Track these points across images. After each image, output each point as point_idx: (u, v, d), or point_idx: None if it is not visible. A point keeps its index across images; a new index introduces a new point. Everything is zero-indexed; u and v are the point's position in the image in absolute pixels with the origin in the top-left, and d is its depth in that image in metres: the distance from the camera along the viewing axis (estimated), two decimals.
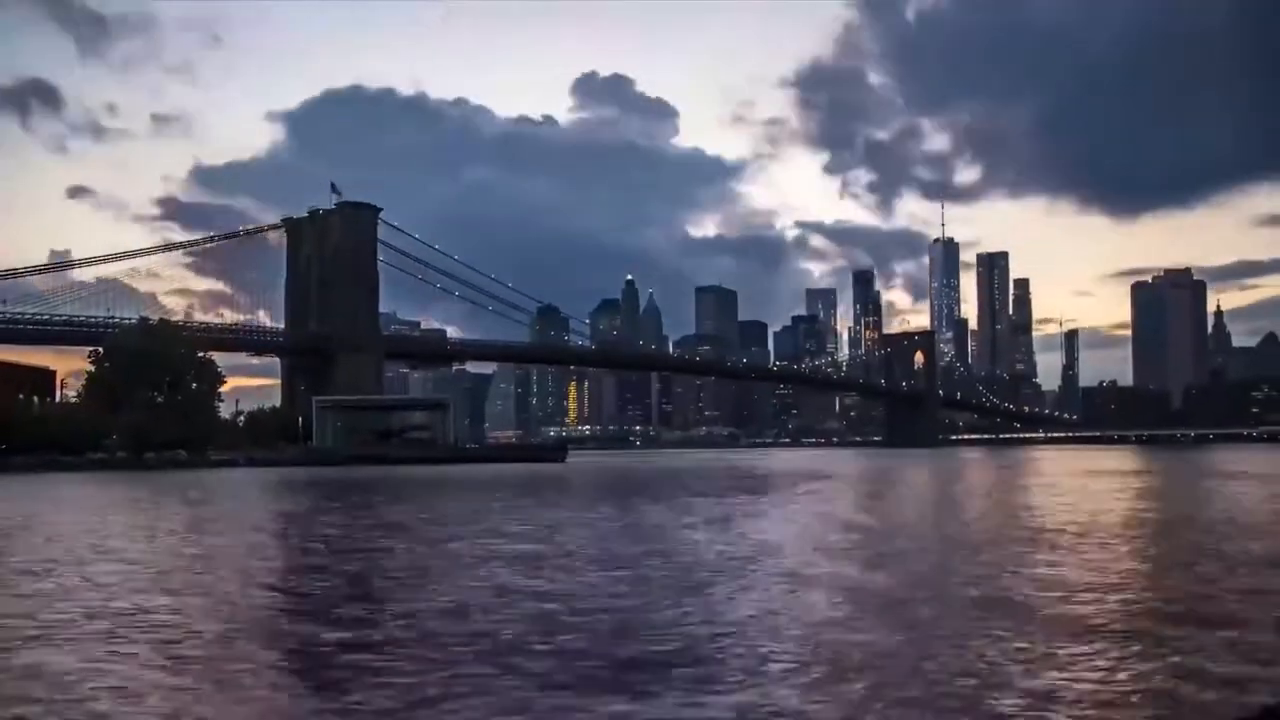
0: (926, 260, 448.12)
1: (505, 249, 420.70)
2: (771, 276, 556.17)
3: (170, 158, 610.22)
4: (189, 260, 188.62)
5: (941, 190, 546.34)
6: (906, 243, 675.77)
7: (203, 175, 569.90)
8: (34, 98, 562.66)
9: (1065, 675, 9.33)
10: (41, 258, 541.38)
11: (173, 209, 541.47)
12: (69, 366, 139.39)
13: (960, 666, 9.69)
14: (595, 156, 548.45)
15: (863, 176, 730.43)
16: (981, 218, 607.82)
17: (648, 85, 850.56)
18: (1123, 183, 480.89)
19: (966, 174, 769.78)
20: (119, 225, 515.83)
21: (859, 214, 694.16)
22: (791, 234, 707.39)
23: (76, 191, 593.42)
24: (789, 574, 16.30)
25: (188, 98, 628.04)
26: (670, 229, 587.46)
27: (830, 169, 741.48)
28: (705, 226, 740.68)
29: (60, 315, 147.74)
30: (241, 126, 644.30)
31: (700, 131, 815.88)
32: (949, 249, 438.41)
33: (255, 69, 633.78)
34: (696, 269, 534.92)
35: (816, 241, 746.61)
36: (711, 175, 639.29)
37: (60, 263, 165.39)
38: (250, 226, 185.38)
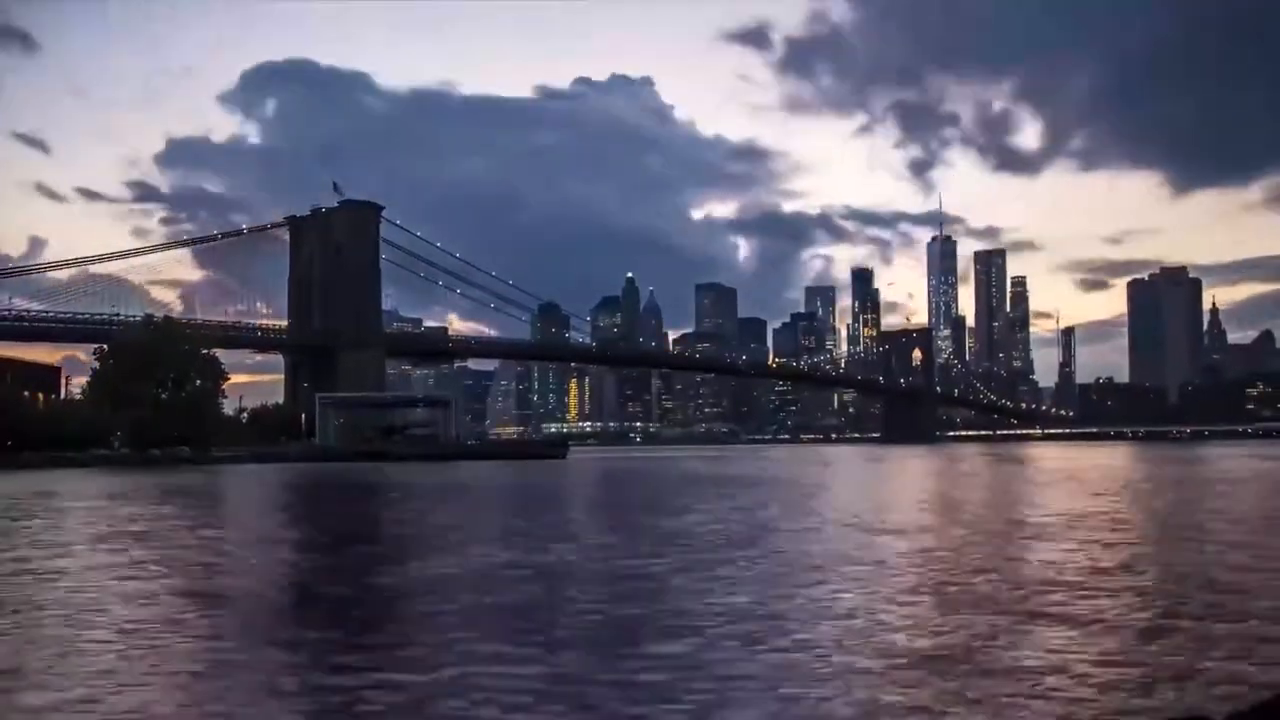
0: (921, 254, 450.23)
1: (502, 239, 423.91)
2: (792, 260, 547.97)
3: (148, 132, 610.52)
4: (188, 257, 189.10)
5: (994, 157, 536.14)
6: (927, 222, 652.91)
7: (175, 150, 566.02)
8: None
9: (1056, 667, 9.45)
10: (19, 241, 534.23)
11: (148, 189, 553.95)
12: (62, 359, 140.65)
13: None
14: (587, 142, 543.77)
15: (889, 148, 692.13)
16: (985, 196, 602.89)
17: (643, 70, 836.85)
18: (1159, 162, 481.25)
19: (1023, 138, 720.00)
20: (92, 208, 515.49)
21: (885, 191, 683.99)
22: (813, 213, 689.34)
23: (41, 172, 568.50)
24: None
25: (162, 65, 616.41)
26: (678, 214, 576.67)
27: (851, 141, 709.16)
28: (720, 210, 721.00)
29: (65, 313, 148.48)
30: (217, 104, 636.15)
31: (703, 114, 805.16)
32: (946, 246, 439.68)
33: (233, 42, 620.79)
34: (710, 257, 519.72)
35: (839, 222, 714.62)
36: (721, 156, 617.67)
37: (60, 262, 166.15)
38: (253, 224, 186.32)
